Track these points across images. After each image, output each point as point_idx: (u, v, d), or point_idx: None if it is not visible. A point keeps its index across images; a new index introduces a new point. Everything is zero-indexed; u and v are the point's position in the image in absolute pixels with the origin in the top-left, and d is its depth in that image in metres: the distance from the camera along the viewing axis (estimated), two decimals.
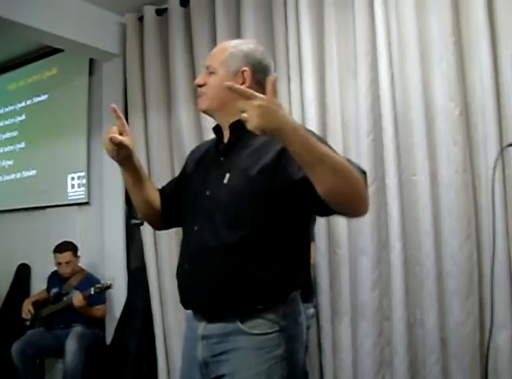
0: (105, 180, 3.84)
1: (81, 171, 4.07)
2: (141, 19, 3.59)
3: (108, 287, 3.35)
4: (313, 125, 2.84)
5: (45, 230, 4.21)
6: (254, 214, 1.35)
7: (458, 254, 2.42)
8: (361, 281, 2.68)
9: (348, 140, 2.83)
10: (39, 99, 4.46)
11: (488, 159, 2.39)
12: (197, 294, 1.40)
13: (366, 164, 2.66)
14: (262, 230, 1.34)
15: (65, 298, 3.51)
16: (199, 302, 1.40)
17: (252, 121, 1.13)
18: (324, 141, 1.28)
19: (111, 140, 1.42)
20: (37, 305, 3.69)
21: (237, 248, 1.34)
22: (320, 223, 2.76)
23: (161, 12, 3.53)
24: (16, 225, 4.50)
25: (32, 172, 4.41)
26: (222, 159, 1.47)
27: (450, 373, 2.41)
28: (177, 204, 1.57)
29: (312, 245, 2.43)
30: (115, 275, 3.68)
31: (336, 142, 2.82)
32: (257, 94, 1.15)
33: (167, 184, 1.69)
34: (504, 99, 2.39)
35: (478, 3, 2.41)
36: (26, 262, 4.37)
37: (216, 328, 1.36)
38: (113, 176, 3.72)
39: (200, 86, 1.48)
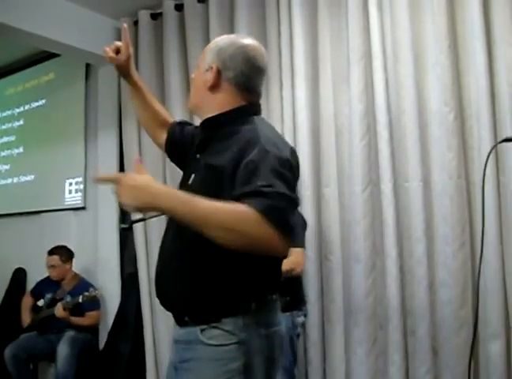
0: (100, 185, 3.82)
1: (79, 177, 4.06)
2: (136, 23, 3.58)
3: (94, 296, 3.34)
4: (305, 130, 2.81)
5: (40, 234, 4.21)
6: None
7: (452, 262, 2.36)
8: (354, 288, 2.63)
9: (341, 144, 2.79)
10: (36, 104, 4.47)
11: (483, 164, 2.33)
12: (162, 295, 1.41)
13: (359, 169, 2.64)
14: (207, 240, 1.24)
15: (58, 304, 3.49)
16: (164, 302, 1.41)
17: (123, 201, 1.18)
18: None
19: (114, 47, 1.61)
20: (33, 310, 3.68)
21: (186, 253, 1.31)
22: (310, 228, 2.71)
23: (156, 16, 3.53)
24: (12, 229, 4.50)
25: (30, 177, 4.41)
26: (198, 156, 1.43)
27: None
28: (177, 150, 1.61)
29: (301, 251, 2.39)
30: (109, 280, 3.68)
31: (329, 147, 2.79)
32: (117, 176, 1.21)
33: (179, 125, 1.66)
34: (499, 103, 2.35)
35: (473, 6, 2.37)
36: (22, 266, 4.36)
37: (183, 333, 1.35)
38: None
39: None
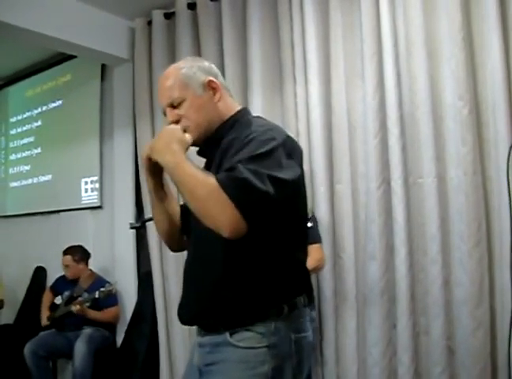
0: (116, 184, 3.86)
1: (94, 176, 4.10)
2: (149, 23, 3.60)
3: (110, 291, 3.37)
4: (318, 126, 2.78)
5: (59, 233, 4.27)
6: None
7: (468, 260, 2.30)
8: (369, 287, 2.59)
9: (354, 141, 2.75)
10: (54, 104, 4.53)
11: (499, 159, 2.28)
12: (186, 309, 1.40)
13: (374, 166, 2.60)
14: (242, 243, 1.23)
15: (70, 305, 3.53)
16: (188, 318, 1.40)
17: (146, 153, 1.34)
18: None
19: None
20: (51, 308, 3.74)
21: (217, 261, 1.31)
22: (324, 225, 2.68)
23: (169, 15, 3.53)
24: (33, 229, 4.58)
25: (48, 177, 4.47)
26: None
27: None
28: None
29: (318, 247, 2.36)
30: (126, 278, 3.70)
31: (342, 144, 2.76)
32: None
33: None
34: None
35: None
36: (42, 265, 4.43)
37: (209, 338, 1.34)
38: (124, 180, 3.75)
39: (176, 122, 1.39)
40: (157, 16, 3.54)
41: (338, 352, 2.69)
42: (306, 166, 2.76)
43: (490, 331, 2.28)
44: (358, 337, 2.64)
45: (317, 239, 2.39)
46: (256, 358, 1.26)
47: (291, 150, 1.29)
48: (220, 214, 1.16)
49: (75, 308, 3.38)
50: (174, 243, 1.59)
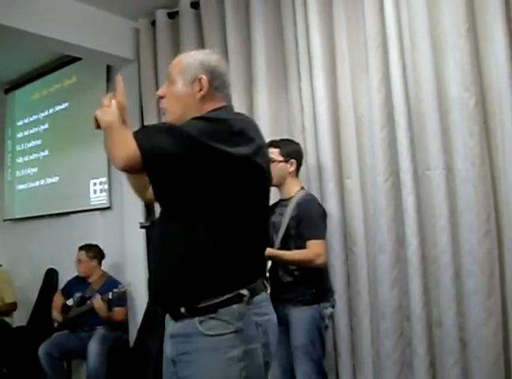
0: (125, 185, 3.87)
1: (103, 177, 4.13)
2: (153, 23, 3.62)
3: (124, 292, 3.42)
4: (325, 121, 2.79)
5: (70, 235, 4.30)
6: (180, 205, 1.40)
7: (477, 251, 2.31)
8: (380, 279, 2.60)
9: (361, 135, 2.76)
10: (60, 107, 4.57)
11: (506, 149, 2.28)
12: (155, 289, 1.47)
13: (381, 159, 2.61)
14: (200, 226, 1.36)
15: (88, 302, 3.57)
16: (157, 297, 1.47)
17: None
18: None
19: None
20: (62, 310, 3.77)
21: (180, 244, 1.37)
22: (334, 220, 2.70)
23: (173, 15, 3.55)
24: (43, 231, 4.62)
25: (56, 179, 4.51)
26: None
27: (471, 375, 2.30)
28: None
29: (321, 243, 2.37)
30: (137, 278, 3.72)
31: (349, 138, 2.77)
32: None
33: None
34: None
35: None
36: (53, 267, 4.47)
37: (180, 327, 1.39)
38: None
39: (161, 98, 1.52)
40: (161, 15, 3.56)
41: (353, 344, 2.71)
42: (313, 161, 2.81)
43: (502, 320, 2.29)
44: (372, 329, 2.65)
45: (318, 235, 2.39)
46: (226, 343, 1.32)
47: (240, 133, 1.36)
48: (114, 151, 1.34)
49: (97, 303, 3.42)
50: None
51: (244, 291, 1.36)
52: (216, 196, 1.35)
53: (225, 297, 1.34)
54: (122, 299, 3.55)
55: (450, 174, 2.44)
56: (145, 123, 3.62)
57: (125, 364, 3.55)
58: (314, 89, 2.84)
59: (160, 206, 1.49)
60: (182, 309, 1.37)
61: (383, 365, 2.59)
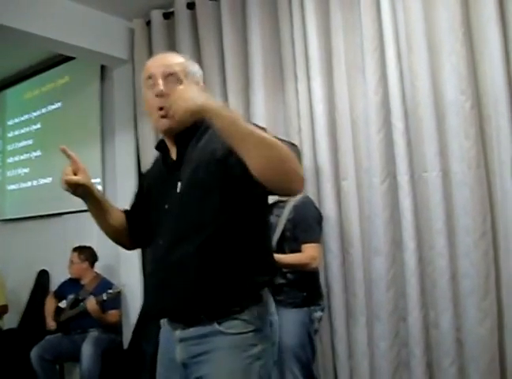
0: (119, 186, 3.86)
1: (96, 177, 4.09)
2: (148, 23, 3.60)
3: (119, 293, 3.40)
4: (322, 123, 2.80)
5: (62, 236, 4.27)
6: (209, 215, 1.33)
7: (473, 253, 2.34)
8: (376, 282, 2.62)
9: (357, 137, 2.78)
10: (53, 107, 4.52)
11: (502, 152, 2.31)
12: (169, 305, 1.38)
13: (378, 161, 2.62)
14: (221, 231, 1.33)
15: (81, 304, 3.54)
16: (172, 312, 1.40)
17: (177, 109, 1.19)
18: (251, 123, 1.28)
19: (67, 182, 1.44)
20: (55, 312, 3.74)
21: (200, 254, 1.33)
22: (331, 222, 2.71)
23: (168, 15, 3.54)
24: (35, 232, 4.57)
25: (48, 179, 4.46)
26: (175, 172, 1.44)
27: (468, 375, 2.33)
28: (142, 221, 1.56)
29: (316, 246, 2.39)
30: (131, 279, 3.70)
31: (346, 140, 2.78)
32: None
33: (131, 204, 1.67)
34: None
35: None
36: (45, 268, 4.43)
37: (193, 331, 1.36)
38: (126, 181, 3.74)
39: (160, 96, 1.36)
40: (156, 16, 3.54)
41: (350, 347, 2.72)
42: (310, 163, 2.82)
43: (497, 321, 2.32)
44: (368, 331, 2.67)
45: (314, 238, 2.40)
46: (246, 341, 1.33)
47: None
48: (294, 170, 1.21)
49: (91, 306, 3.39)
50: (126, 245, 1.66)
51: (263, 292, 1.38)
52: (247, 204, 1.35)
53: (247, 298, 1.35)
54: (116, 301, 3.53)
55: (446, 177, 2.46)
56: (139, 124, 3.60)
57: (119, 366, 3.53)
58: (310, 91, 2.85)
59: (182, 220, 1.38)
60: (202, 316, 1.34)
61: (378, 366, 2.61)
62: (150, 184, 1.56)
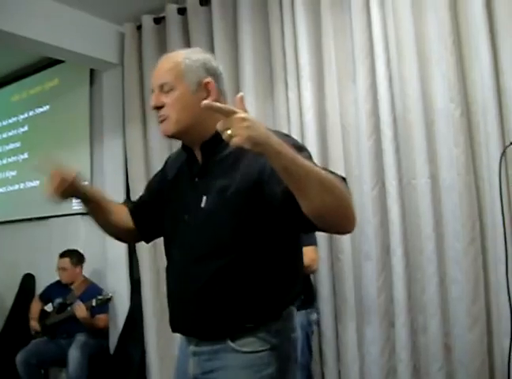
0: (107, 189, 3.83)
1: (85, 181, 4.05)
2: (139, 28, 3.59)
3: (109, 299, 3.38)
4: (312, 130, 2.82)
5: (49, 240, 4.22)
6: (235, 238, 1.27)
7: (462, 259, 2.36)
8: (366, 287, 2.63)
9: (348, 144, 2.79)
10: (41, 110, 4.49)
11: (490, 159, 2.34)
12: (185, 320, 1.35)
13: (368, 168, 2.64)
14: (245, 253, 1.28)
15: (69, 308, 3.51)
16: (187, 328, 1.36)
17: (239, 133, 1.03)
18: (306, 154, 1.21)
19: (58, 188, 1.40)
20: (40, 316, 3.70)
21: (221, 274, 1.28)
22: None
23: (159, 20, 3.53)
24: (20, 235, 4.52)
25: (36, 183, 4.41)
26: (197, 179, 1.38)
27: None
28: (150, 221, 1.53)
29: (314, 249, 2.40)
30: (118, 284, 3.68)
31: (336, 147, 2.80)
32: (236, 109, 1.06)
33: (137, 202, 1.61)
34: (505, 98, 2.34)
35: (476, 1, 2.36)
36: (31, 272, 4.38)
37: (206, 345, 1.32)
38: (114, 185, 3.73)
39: (158, 108, 1.34)
40: (147, 20, 3.54)
41: (339, 351, 2.72)
42: None
43: (486, 327, 2.34)
44: (358, 336, 2.68)
45: (312, 241, 2.42)
46: (261, 360, 1.26)
47: None
48: (352, 212, 1.14)
49: (81, 313, 3.35)
50: (125, 239, 1.66)
51: (283, 308, 1.32)
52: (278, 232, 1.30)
53: (264, 314, 1.29)
54: (105, 306, 3.50)
55: (436, 183, 2.49)
56: (127, 128, 3.58)
57: (105, 371, 3.50)
58: (301, 98, 2.86)
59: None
60: (214, 332, 1.30)
61: (369, 372, 2.62)
62: (166, 187, 1.48)
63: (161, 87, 1.34)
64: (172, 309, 1.41)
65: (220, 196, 1.29)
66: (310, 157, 1.21)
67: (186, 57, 1.36)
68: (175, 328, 1.40)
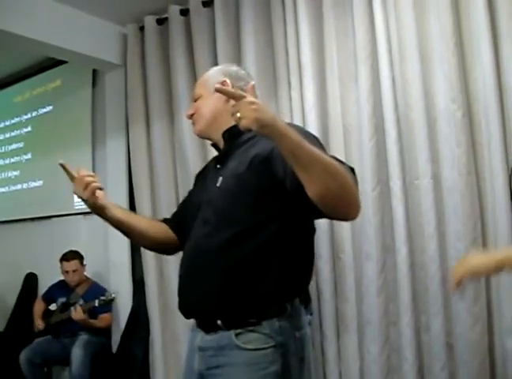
0: (109, 190, 3.84)
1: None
2: (142, 29, 3.61)
3: (112, 300, 3.39)
4: (314, 130, 2.82)
5: (51, 239, 4.24)
6: (244, 211, 1.33)
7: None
8: (367, 286, 2.64)
9: (350, 144, 2.80)
10: (44, 110, 4.50)
11: (492, 160, 2.35)
12: (191, 299, 1.39)
13: (369, 168, 2.65)
14: (252, 230, 1.31)
15: (72, 308, 3.52)
16: (192, 307, 1.40)
17: (248, 116, 1.09)
18: (314, 140, 1.27)
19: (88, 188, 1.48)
20: (44, 314, 3.71)
21: (227, 250, 1.32)
22: (322, 227, 2.73)
23: (162, 21, 3.54)
24: (24, 235, 4.54)
25: (39, 182, 4.44)
26: (218, 166, 1.51)
27: None
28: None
29: None
30: (120, 284, 3.69)
31: (338, 147, 2.81)
32: (245, 93, 1.16)
33: (173, 213, 1.71)
34: (507, 98, 2.35)
35: (478, 2, 2.38)
36: (33, 271, 4.39)
37: (211, 340, 1.34)
38: (117, 186, 3.74)
39: (191, 116, 1.56)
40: (150, 22, 3.54)
41: (340, 351, 2.73)
42: None
43: (487, 325, 2.35)
44: (358, 335, 2.69)
45: None
46: (265, 358, 1.27)
47: None
48: (356, 199, 1.20)
49: (77, 315, 3.36)
50: (165, 252, 1.74)
51: (286, 305, 1.33)
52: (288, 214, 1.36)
53: (268, 309, 1.30)
54: (108, 306, 3.51)
55: (438, 183, 2.50)
56: (131, 129, 3.59)
57: (108, 370, 3.51)
58: (303, 98, 2.87)
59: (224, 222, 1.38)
60: (219, 322, 1.31)
61: (369, 371, 2.63)
62: (196, 182, 1.68)
63: (194, 100, 1.57)
64: (180, 289, 1.44)
65: (233, 173, 1.39)
66: (318, 144, 1.26)
67: (211, 70, 1.62)
68: (182, 310, 1.43)
